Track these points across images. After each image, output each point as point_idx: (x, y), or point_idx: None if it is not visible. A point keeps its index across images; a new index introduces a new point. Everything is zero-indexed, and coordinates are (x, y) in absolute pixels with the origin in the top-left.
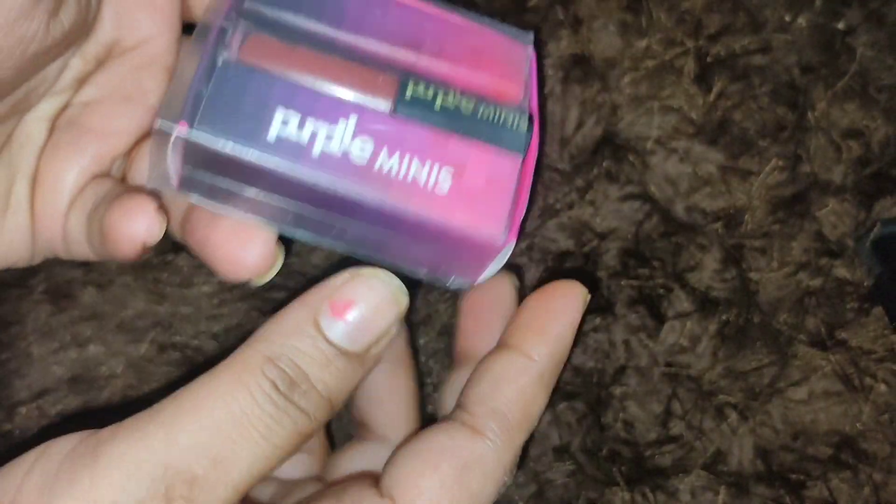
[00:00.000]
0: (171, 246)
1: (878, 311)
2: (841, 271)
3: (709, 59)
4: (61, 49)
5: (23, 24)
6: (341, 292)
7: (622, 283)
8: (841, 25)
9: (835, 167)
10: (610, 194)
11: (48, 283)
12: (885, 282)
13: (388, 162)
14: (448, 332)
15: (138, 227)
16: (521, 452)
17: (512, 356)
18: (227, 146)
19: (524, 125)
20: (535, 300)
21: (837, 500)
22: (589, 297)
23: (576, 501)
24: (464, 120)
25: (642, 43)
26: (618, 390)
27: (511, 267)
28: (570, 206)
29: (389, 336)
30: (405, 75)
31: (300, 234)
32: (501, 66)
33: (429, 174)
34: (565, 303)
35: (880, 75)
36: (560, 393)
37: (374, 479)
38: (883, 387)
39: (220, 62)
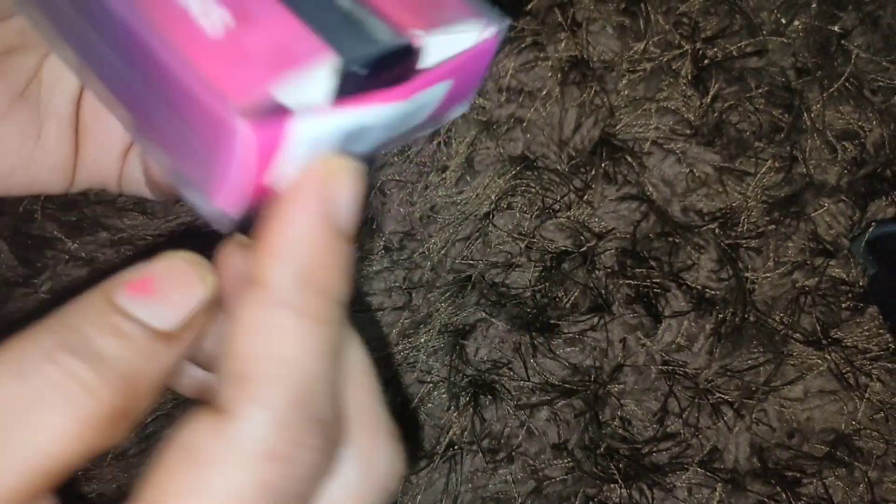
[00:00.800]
0: (175, 246)
1: (872, 310)
2: (836, 271)
3: (705, 62)
4: None
5: None
6: (139, 273)
7: (619, 282)
8: (836, 28)
9: (830, 168)
10: (607, 195)
11: (52, 282)
12: (880, 281)
13: None
14: (447, 332)
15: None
16: (325, 412)
17: (246, 294)
18: None
19: (384, 39)
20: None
21: (832, 496)
22: (352, 165)
23: (573, 498)
24: None
25: (639, 45)
26: (615, 388)
27: (511, 266)
28: (568, 207)
29: (200, 318)
30: None
31: (71, 56)
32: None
33: (205, 7)
34: (297, 197)
35: (875, 77)
36: (558, 391)
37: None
38: (877, 385)
39: None
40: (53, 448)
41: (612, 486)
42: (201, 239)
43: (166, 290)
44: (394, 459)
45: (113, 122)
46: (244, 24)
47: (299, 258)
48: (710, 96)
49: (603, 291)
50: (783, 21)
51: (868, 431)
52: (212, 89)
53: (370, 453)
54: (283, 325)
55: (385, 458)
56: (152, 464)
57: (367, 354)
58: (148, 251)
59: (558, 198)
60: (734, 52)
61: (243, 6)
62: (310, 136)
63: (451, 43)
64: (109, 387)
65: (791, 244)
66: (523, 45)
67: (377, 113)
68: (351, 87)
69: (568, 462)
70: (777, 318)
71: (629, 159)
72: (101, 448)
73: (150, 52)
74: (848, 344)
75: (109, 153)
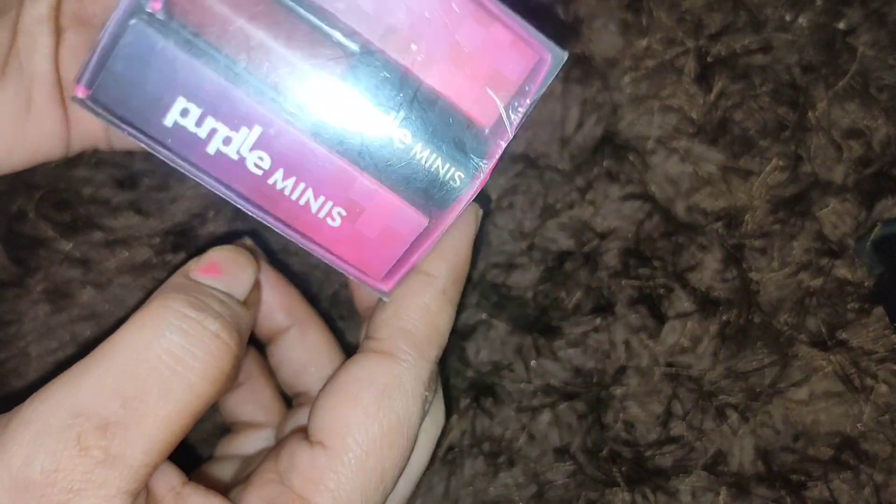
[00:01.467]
0: (170, 246)
1: (878, 311)
2: (842, 271)
3: (709, 59)
4: None
5: None
6: (203, 261)
7: (623, 283)
8: (842, 25)
9: (836, 167)
10: (610, 194)
11: (46, 282)
12: (886, 282)
13: (283, 182)
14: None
15: None
16: (436, 370)
17: (411, 277)
18: (121, 122)
19: (458, 181)
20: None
21: (838, 500)
22: (481, 212)
23: (576, 502)
24: (386, 160)
25: (643, 42)
26: (618, 391)
27: (511, 267)
28: (571, 206)
29: (257, 293)
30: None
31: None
32: (494, 74)
33: (321, 206)
34: (459, 223)
35: (881, 75)
36: (560, 393)
37: (304, 432)
38: (884, 387)
39: (132, 22)
40: (178, 409)
41: (614, 490)
42: (198, 239)
43: (231, 270)
44: (443, 410)
45: None
46: (352, 218)
47: (455, 262)
48: (714, 94)
49: (606, 292)
50: (787, 18)
51: (874, 434)
52: (358, 270)
53: (437, 403)
54: (442, 307)
55: (441, 409)
56: (327, 392)
57: None
58: (146, 251)
59: (560, 197)
60: (738, 49)
61: (349, 199)
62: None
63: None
64: (233, 339)
65: (796, 244)
66: None
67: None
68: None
69: (570, 466)
70: (782, 319)
71: (632, 158)
72: (223, 395)
73: (288, 233)
74: (854, 345)
75: None
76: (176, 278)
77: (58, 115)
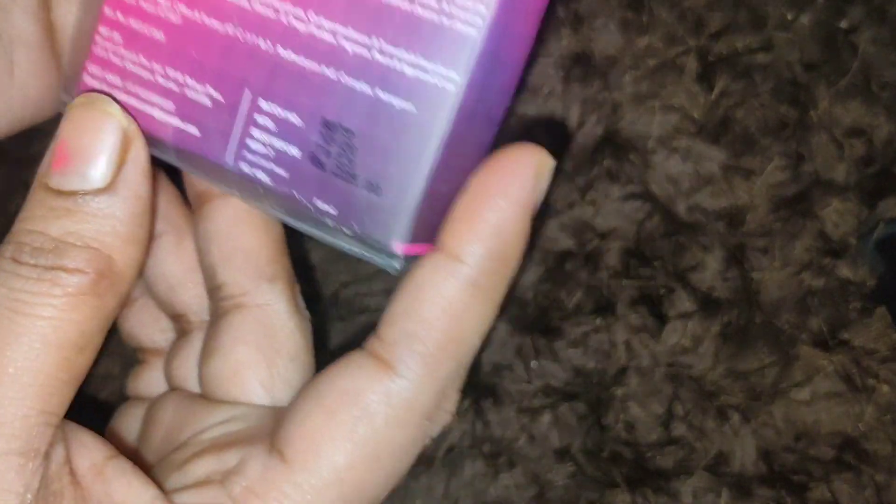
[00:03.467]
0: None
1: (881, 311)
2: (844, 271)
3: (710, 58)
4: None
5: None
6: (54, 141)
7: (623, 283)
8: (843, 23)
9: (837, 166)
10: (611, 193)
11: None
12: (889, 281)
13: None
14: None
15: None
16: (460, 383)
17: (436, 260)
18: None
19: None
20: (476, 179)
21: (840, 501)
22: (552, 164)
23: (576, 503)
24: None
25: (643, 41)
26: (619, 391)
27: None
28: (571, 206)
29: (131, 153)
30: None
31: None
32: None
33: None
34: (509, 179)
35: (883, 73)
36: (561, 394)
37: (270, 427)
38: (886, 387)
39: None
40: (50, 352)
41: (615, 491)
42: None
43: (73, 142)
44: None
45: None
46: None
47: (496, 243)
48: (715, 93)
49: (606, 292)
50: (789, 16)
51: (876, 434)
52: None
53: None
54: (471, 306)
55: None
56: (305, 395)
57: None
58: None
59: (560, 196)
60: (740, 48)
61: None
62: None
63: None
64: (84, 264)
65: (798, 243)
66: None
67: None
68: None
69: (570, 467)
70: (784, 319)
71: (633, 157)
72: (103, 321)
73: None
74: (856, 345)
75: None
76: (33, 191)
77: (47, 81)
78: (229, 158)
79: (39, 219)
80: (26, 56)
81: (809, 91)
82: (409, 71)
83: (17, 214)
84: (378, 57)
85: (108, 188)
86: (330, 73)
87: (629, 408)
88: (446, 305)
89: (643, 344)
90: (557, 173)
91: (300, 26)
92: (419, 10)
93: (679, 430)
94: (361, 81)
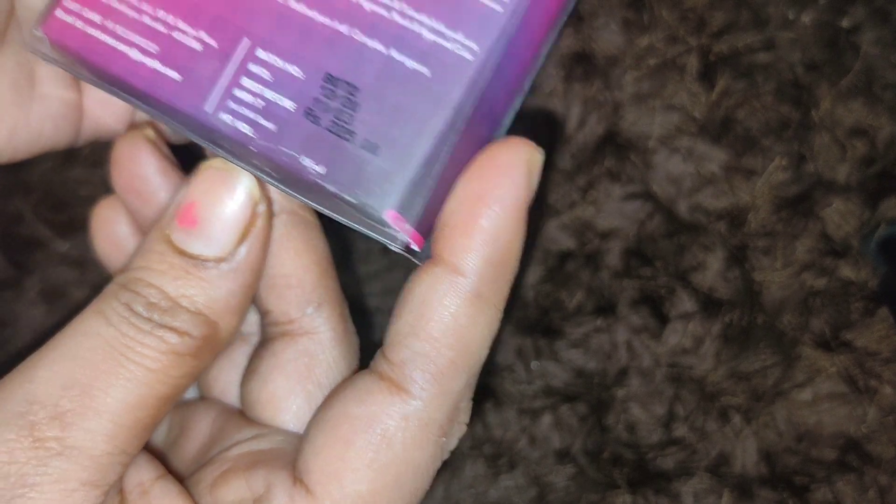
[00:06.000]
0: None
1: (883, 311)
2: (846, 271)
3: (712, 57)
4: None
5: None
6: (183, 199)
7: (624, 283)
8: (845, 23)
9: (839, 166)
10: (612, 193)
11: (43, 284)
12: (891, 282)
13: None
14: None
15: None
16: (471, 393)
17: (435, 274)
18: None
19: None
20: (465, 182)
21: (842, 503)
22: (542, 157)
23: None
24: None
25: (645, 41)
26: (620, 392)
27: None
28: (572, 206)
29: (256, 227)
30: None
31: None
32: None
33: None
34: (500, 180)
35: (885, 73)
36: (561, 395)
37: (292, 459)
38: (888, 388)
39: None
40: (135, 400)
41: (616, 492)
42: None
43: (206, 209)
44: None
45: None
46: None
47: (494, 250)
48: (716, 92)
49: (607, 293)
50: (790, 16)
51: (878, 435)
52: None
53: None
54: (476, 318)
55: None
56: (319, 424)
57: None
58: None
59: (561, 196)
60: (741, 48)
61: None
62: None
63: None
64: (190, 327)
65: (800, 244)
66: None
67: None
68: None
69: (571, 468)
70: (785, 319)
71: (634, 157)
72: (193, 378)
73: None
74: (858, 346)
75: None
76: (148, 238)
77: (67, 97)
78: (209, 107)
79: (158, 274)
80: (48, 70)
81: (811, 91)
82: (427, 35)
83: (13, 216)
84: (397, 18)
85: (229, 258)
86: (343, 28)
87: (630, 409)
88: (452, 321)
89: (644, 345)
90: (558, 173)
91: None
92: None
93: (680, 431)
94: (375, 40)
